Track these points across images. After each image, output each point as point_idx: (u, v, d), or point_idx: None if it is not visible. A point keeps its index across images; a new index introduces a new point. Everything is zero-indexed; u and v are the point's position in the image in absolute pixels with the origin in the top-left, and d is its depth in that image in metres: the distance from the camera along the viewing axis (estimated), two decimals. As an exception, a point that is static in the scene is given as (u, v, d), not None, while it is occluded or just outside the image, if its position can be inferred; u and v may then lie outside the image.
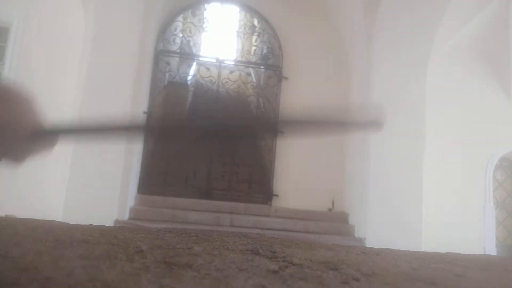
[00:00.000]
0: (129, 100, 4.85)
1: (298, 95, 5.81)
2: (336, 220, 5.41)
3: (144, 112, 5.33)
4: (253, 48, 6.80)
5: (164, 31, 5.80)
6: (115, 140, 0.49)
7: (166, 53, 5.89)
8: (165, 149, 5.65)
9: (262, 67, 6.48)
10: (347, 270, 0.90)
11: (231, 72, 6.21)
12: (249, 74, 6.58)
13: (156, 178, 5.46)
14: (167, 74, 6.22)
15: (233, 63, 6.59)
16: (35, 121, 0.46)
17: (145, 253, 0.92)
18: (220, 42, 6.45)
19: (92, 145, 4.52)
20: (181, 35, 6.35)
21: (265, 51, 6.28)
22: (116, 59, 4.90)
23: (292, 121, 0.47)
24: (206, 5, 6.37)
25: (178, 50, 6.28)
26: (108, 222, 4.14)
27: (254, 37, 6.64)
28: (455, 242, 5.02)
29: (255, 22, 6.56)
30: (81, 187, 4.48)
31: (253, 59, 6.55)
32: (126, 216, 4.72)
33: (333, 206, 5.64)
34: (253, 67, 6.62)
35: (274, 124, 0.52)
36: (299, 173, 5.65)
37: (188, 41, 6.49)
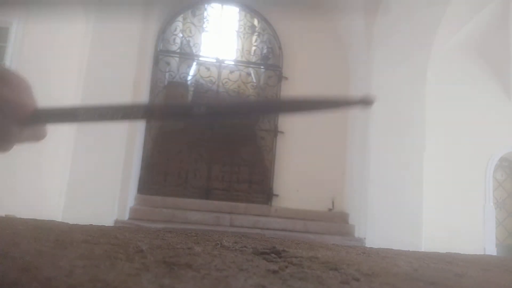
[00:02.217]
0: (129, 100, 4.85)
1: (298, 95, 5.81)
2: (336, 220, 5.41)
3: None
4: (253, 48, 6.79)
5: (164, 31, 5.80)
6: (114, 123, 0.48)
7: (166, 53, 5.89)
8: (165, 149, 5.65)
9: (262, 67, 6.48)
10: (347, 270, 0.90)
11: (231, 72, 6.21)
12: (249, 74, 6.57)
13: (156, 178, 5.46)
14: (167, 74, 6.22)
15: (233, 63, 6.59)
16: (28, 103, 0.46)
17: (145, 253, 0.92)
18: (220, 42, 6.44)
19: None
20: (181, 35, 6.34)
21: (265, 51, 6.28)
22: (116, 59, 4.90)
23: (290, 102, 0.49)
24: (206, 5, 6.36)
25: (178, 50, 6.27)
26: (108, 222, 4.14)
27: (254, 37, 6.64)
28: (455, 242, 5.02)
29: (255, 22, 6.56)
30: (81, 187, 4.48)
31: (253, 59, 6.54)
32: (126, 216, 4.72)
33: (333, 206, 5.64)
34: (253, 67, 6.62)
35: (274, 105, 0.54)
36: (299, 173, 5.65)
37: (188, 41, 6.49)
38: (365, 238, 4.86)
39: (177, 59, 6.63)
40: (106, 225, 2.07)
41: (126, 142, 4.76)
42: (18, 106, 0.44)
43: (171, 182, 5.53)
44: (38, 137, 0.48)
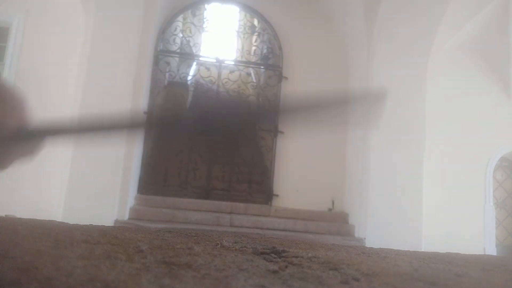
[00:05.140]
0: (129, 100, 4.85)
1: (298, 95, 5.81)
2: (336, 220, 5.41)
3: (144, 112, 5.33)
4: (253, 48, 6.79)
5: (164, 31, 5.80)
6: (110, 139, 0.46)
7: (166, 53, 5.88)
8: (165, 149, 5.65)
9: (262, 67, 6.48)
10: (347, 270, 0.90)
11: (231, 72, 6.20)
12: (249, 74, 6.57)
13: (156, 178, 5.46)
14: (167, 74, 6.22)
15: (233, 63, 6.59)
16: (22, 120, 0.43)
17: (145, 253, 0.92)
18: (220, 42, 6.44)
19: (86, 145, 4.52)
20: (181, 35, 6.34)
21: (265, 51, 6.27)
22: (116, 59, 4.90)
23: (291, 109, 0.46)
24: (206, 5, 6.36)
25: (178, 50, 6.27)
26: (108, 222, 4.14)
27: (254, 37, 6.64)
28: (455, 242, 5.02)
29: (255, 22, 6.56)
30: (81, 187, 4.48)
31: (253, 59, 6.54)
32: (126, 216, 4.72)
33: (333, 206, 5.64)
34: (253, 67, 6.62)
35: (273, 115, 0.51)
36: (299, 173, 5.65)
37: (188, 41, 6.49)
38: (365, 238, 4.86)
39: (177, 59, 6.63)
40: (106, 225, 2.07)
41: (126, 142, 4.76)
42: (4, 123, 0.42)
43: (171, 182, 5.53)
44: (31, 153, 0.46)
